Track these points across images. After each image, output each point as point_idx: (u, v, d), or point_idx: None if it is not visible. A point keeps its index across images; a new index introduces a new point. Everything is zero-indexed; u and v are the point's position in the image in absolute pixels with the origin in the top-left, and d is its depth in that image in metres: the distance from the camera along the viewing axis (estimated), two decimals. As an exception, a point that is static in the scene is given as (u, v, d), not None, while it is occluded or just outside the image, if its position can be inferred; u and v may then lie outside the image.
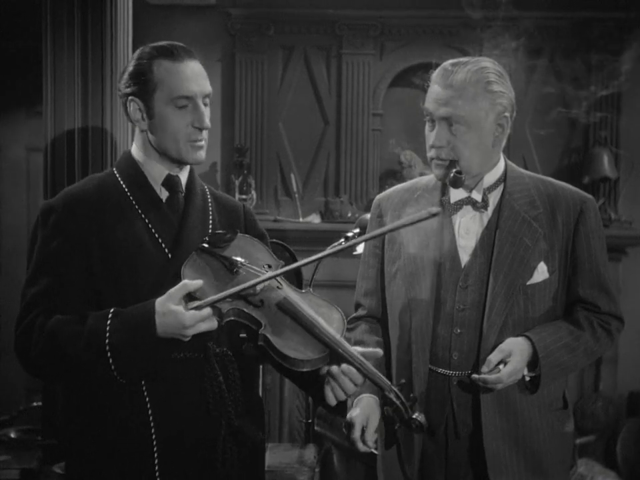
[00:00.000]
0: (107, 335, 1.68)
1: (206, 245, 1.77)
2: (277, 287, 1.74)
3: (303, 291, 1.78)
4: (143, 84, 1.80)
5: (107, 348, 1.67)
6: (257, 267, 1.76)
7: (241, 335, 1.73)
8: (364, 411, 2.00)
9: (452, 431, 2.01)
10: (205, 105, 1.83)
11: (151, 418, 1.75)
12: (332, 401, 1.75)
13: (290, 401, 4.85)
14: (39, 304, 1.74)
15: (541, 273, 1.99)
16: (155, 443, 1.75)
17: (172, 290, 1.66)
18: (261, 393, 3.14)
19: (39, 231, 1.81)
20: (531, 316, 1.99)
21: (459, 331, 1.99)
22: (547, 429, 2.02)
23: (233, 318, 1.69)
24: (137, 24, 3.13)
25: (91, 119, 2.93)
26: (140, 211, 1.82)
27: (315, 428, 3.63)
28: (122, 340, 1.67)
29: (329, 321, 1.71)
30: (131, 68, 1.84)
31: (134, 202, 1.83)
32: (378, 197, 2.21)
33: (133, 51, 3.08)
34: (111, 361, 1.68)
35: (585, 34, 5.01)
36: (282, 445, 3.77)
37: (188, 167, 1.92)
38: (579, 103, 5.11)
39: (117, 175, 1.86)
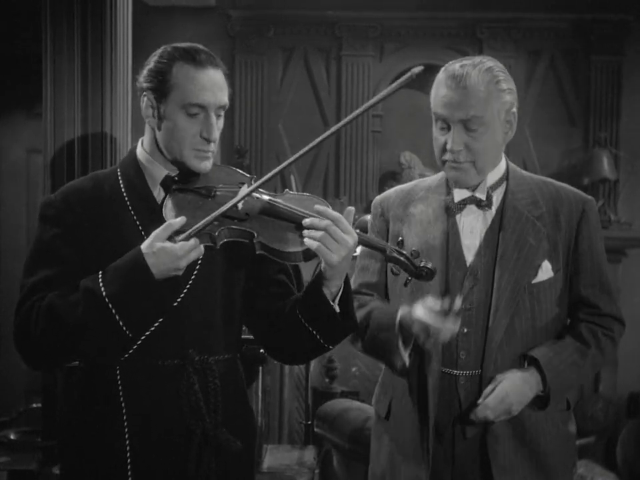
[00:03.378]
0: (102, 288, 1.66)
1: (177, 185, 1.79)
2: (256, 197, 1.76)
3: (281, 193, 1.81)
4: (160, 83, 1.78)
5: (107, 300, 1.65)
6: (232, 186, 1.79)
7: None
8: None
9: (459, 431, 2.00)
10: (219, 116, 1.80)
11: (125, 424, 1.75)
12: (332, 259, 1.65)
13: (290, 403, 4.85)
14: (38, 291, 1.74)
15: (546, 271, 2.00)
16: (128, 448, 1.75)
17: (157, 230, 1.66)
18: (260, 395, 3.16)
19: (38, 223, 1.83)
20: (537, 315, 2.00)
21: (465, 330, 1.99)
22: (552, 429, 2.02)
23: (225, 239, 1.70)
24: (136, 26, 3.13)
25: (90, 121, 2.93)
26: (132, 212, 1.81)
27: (315, 429, 3.62)
28: (119, 289, 1.66)
29: (312, 208, 1.73)
30: (151, 64, 1.81)
31: (128, 202, 1.82)
32: (377, 197, 2.21)
33: (133, 53, 3.09)
34: (114, 311, 1.65)
35: (585, 35, 5.02)
36: (282, 447, 3.77)
37: None
38: (578, 104, 5.12)
39: (119, 173, 1.86)
